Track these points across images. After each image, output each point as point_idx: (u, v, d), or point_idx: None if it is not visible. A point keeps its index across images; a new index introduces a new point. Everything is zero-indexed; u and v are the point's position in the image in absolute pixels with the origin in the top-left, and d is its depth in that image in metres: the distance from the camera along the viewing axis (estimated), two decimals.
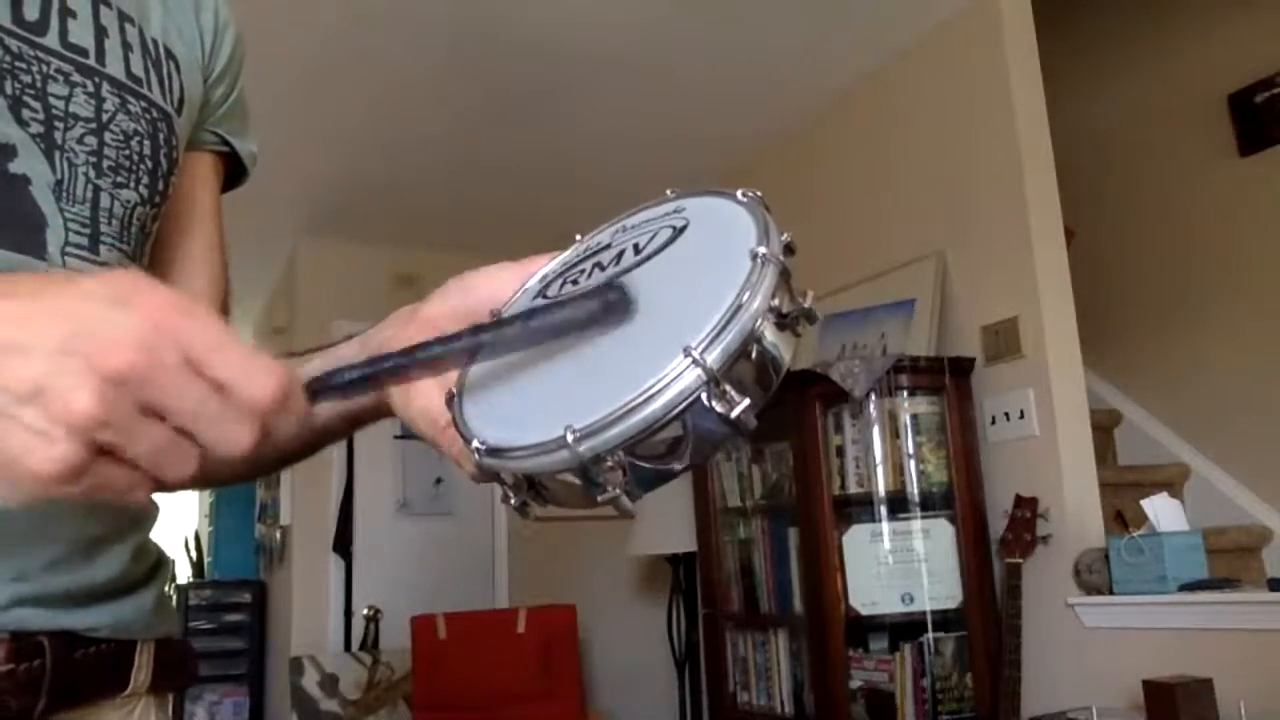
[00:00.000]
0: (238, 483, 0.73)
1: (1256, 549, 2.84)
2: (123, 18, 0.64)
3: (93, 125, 0.60)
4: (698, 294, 0.41)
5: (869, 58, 3.01)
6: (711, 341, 0.38)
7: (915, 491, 2.54)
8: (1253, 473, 2.96)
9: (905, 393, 2.57)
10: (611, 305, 0.43)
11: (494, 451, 0.43)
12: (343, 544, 4.04)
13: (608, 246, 0.50)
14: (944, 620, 2.47)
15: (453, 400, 0.48)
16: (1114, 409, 3.31)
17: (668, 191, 0.52)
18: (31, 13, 0.58)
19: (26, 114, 0.56)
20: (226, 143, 0.76)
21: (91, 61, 0.61)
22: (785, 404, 2.62)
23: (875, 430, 2.57)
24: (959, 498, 2.51)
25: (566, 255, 0.54)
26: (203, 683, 4.38)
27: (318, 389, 0.42)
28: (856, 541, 2.51)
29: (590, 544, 4.16)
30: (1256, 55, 2.97)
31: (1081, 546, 2.33)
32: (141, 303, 0.35)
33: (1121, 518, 2.70)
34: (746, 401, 0.39)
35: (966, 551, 2.49)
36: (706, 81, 3.12)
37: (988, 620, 2.45)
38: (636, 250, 0.48)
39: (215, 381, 0.35)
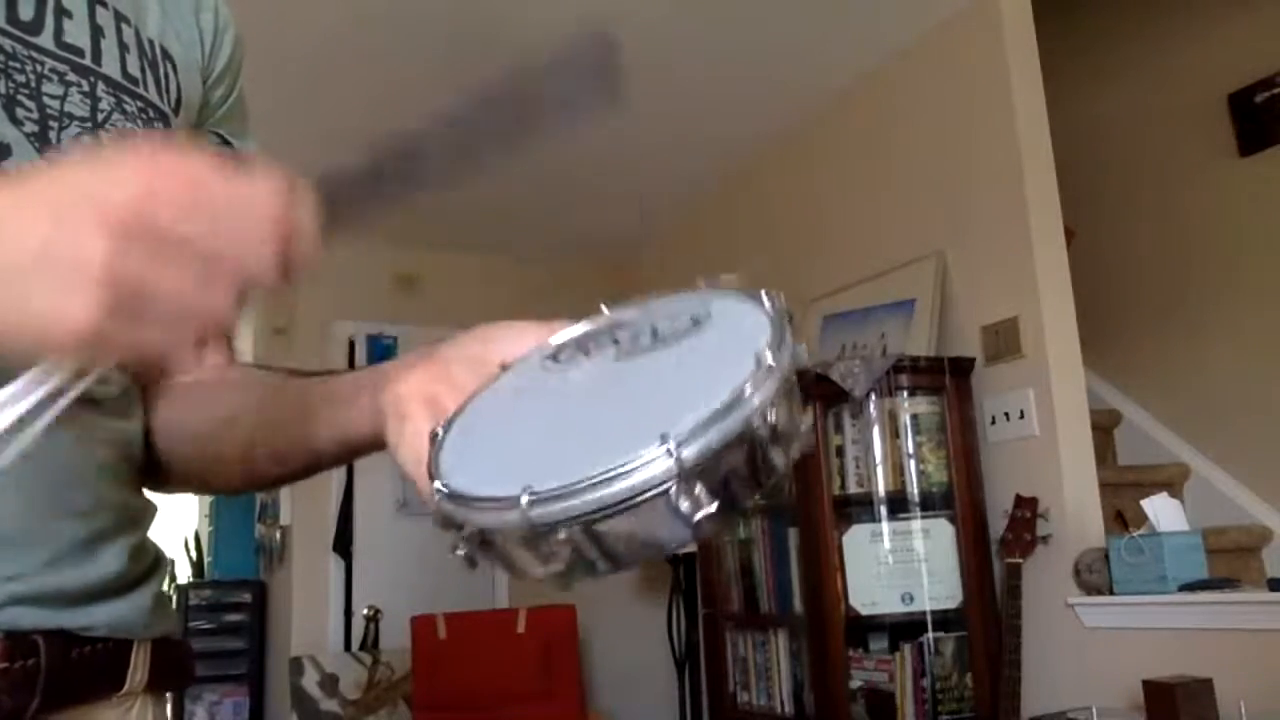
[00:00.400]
0: (236, 494, 0.73)
1: (1256, 549, 2.84)
2: (119, 18, 0.64)
3: (88, 125, 0.60)
4: (696, 387, 0.41)
5: (869, 58, 3.01)
6: (692, 437, 0.37)
7: (915, 491, 2.54)
8: (1253, 473, 2.95)
9: (905, 393, 2.57)
10: (602, 72, 0.43)
11: (454, 497, 0.43)
12: (343, 544, 4.04)
13: (629, 324, 0.51)
14: (944, 620, 2.47)
15: (434, 439, 0.48)
16: (1114, 409, 3.31)
17: (700, 281, 0.52)
18: (26, 12, 0.58)
19: (20, 113, 0.56)
20: (227, 143, 0.76)
21: (87, 61, 0.60)
22: None
23: (875, 430, 2.57)
24: (959, 498, 2.51)
25: (587, 325, 0.54)
26: (203, 683, 4.38)
27: (326, 185, 0.42)
28: (856, 541, 2.51)
29: None
30: (1256, 55, 2.97)
31: (1081, 546, 2.33)
32: (135, 151, 0.35)
33: (1121, 518, 2.70)
34: (714, 507, 0.37)
35: (966, 551, 2.49)
36: (707, 81, 3.12)
37: (988, 620, 2.45)
38: (654, 334, 0.48)
39: (225, 197, 0.36)
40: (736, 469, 0.39)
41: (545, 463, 0.40)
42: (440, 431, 0.48)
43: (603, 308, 0.54)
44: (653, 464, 0.37)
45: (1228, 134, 3.04)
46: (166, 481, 0.70)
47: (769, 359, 0.40)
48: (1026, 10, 2.66)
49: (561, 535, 0.38)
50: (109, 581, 0.59)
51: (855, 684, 2.52)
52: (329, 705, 3.65)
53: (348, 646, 3.94)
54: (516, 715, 3.45)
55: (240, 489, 0.71)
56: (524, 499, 0.38)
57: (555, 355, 0.52)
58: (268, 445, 0.65)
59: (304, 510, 4.08)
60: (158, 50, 0.67)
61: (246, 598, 4.56)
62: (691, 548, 3.25)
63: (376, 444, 0.60)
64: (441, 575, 4.12)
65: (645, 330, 0.48)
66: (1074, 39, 3.26)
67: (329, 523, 4.04)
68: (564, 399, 0.47)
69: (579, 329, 0.54)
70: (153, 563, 0.66)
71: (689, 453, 0.37)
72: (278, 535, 4.32)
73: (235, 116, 0.77)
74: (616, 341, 0.49)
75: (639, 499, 0.37)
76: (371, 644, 3.89)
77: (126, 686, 0.60)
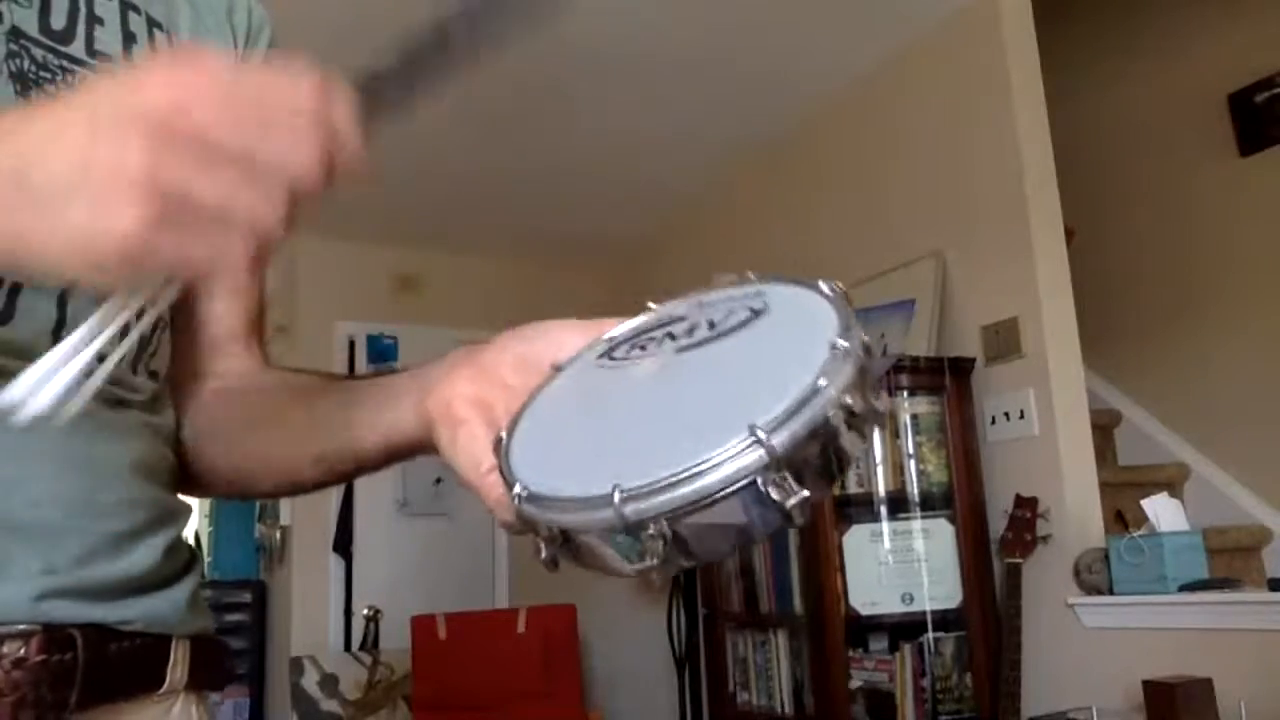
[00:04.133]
0: (275, 498, 0.72)
1: (1256, 549, 2.84)
2: (151, 23, 0.64)
3: None
4: (771, 376, 0.40)
5: (869, 57, 3.01)
6: (779, 425, 0.37)
7: (915, 491, 2.54)
8: (1253, 473, 2.96)
9: (905, 393, 2.57)
10: None
11: (535, 499, 0.42)
12: (343, 544, 4.04)
13: (682, 319, 0.50)
14: (944, 620, 2.47)
15: (500, 444, 0.47)
16: (1114, 409, 3.31)
17: (750, 274, 0.51)
18: (58, 21, 0.58)
19: None
20: None
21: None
22: None
23: (875, 430, 2.56)
24: (959, 498, 2.51)
25: (637, 321, 0.53)
26: None
27: (366, 86, 0.41)
28: (856, 541, 2.51)
29: None
30: (1256, 55, 2.97)
31: (1081, 546, 2.33)
32: (165, 58, 0.36)
33: (1121, 518, 2.69)
34: (804, 494, 0.37)
35: (966, 551, 2.49)
36: (706, 82, 3.12)
37: (988, 620, 2.45)
38: (711, 326, 0.47)
39: (261, 95, 0.35)
40: (820, 453, 0.39)
41: (628, 458, 0.40)
42: (505, 436, 0.48)
43: (650, 305, 0.53)
44: (744, 454, 0.37)
45: (1228, 134, 3.04)
46: (206, 486, 0.70)
47: (842, 343, 0.40)
48: (1026, 10, 2.66)
49: (651, 530, 0.38)
50: (143, 576, 0.59)
51: (855, 684, 2.52)
52: (329, 705, 3.65)
53: (348, 646, 3.94)
54: (516, 715, 3.45)
55: (283, 494, 0.71)
56: (616, 496, 0.38)
57: (610, 353, 0.51)
58: (311, 450, 0.65)
59: (304, 510, 4.08)
60: None
61: (246, 598, 4.56)
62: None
63: (421, 448, 0.59)
64: (441, 575, 4.12)
65: (702, 323, 0.48)
66: (1074, 39, 3.26)
67: (329, 523, 4.04)
68: (631, 394, 0.46)
69: (629, 325, 0.53)
70: (187, 560, 0.66)
71: (779, 441, 0.37)
72: (278, 535, 4.32)
73: None
74: (673, 336, 0.48)
75: (731, 489, 0.37)
76: (371, 644, 3.89)
77: (167, 684, 0.60)
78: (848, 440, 0.40)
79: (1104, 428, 3.17)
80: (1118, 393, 3.34)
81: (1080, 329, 2.51)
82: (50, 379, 0.37)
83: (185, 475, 0.68)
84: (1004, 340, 2.55)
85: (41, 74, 0.56)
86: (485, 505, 0.48)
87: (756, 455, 0.37)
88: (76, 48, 0.58)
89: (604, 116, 3.32)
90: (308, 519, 4.06)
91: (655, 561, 0.39)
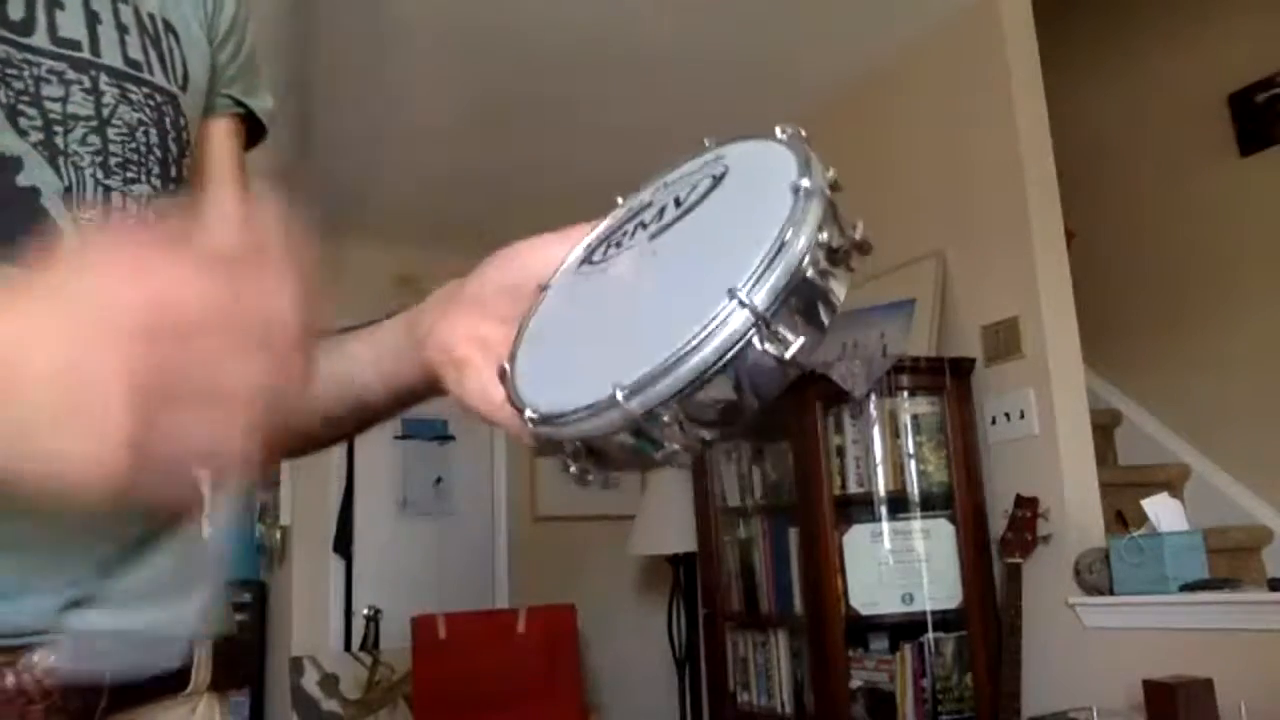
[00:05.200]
0: (291, 457, 0.71)
1: (1256, 549, 2.84)
2: None
3: (94, 123, 0.58)
4: (741, 236, 0.40)
5: (869, 58, 3.01)
6: (757, 281, 0.37)
7: (915, 491, 2.53)
8: (1253, 473, 2.95)
9: (905, 393, 2.57)
10: None
11: (547, 419, 0.43)
12: (343, 544, 4.04)
13: (649, 204, 0.50)
14: (944, 620, 2.47)
15: (505, 373, 0.48)
16: (1114, 409, 3.31)
17: (706, 141, 0.51)
18: (16, 11, 0.55)
19: (24, 123, 0.54)
20: (240, 104, 0.74)
21: (85, 54, 0.58)
22: (785, 404, 2.62)
23: (875, 430, 2.57)
24: (959, 498, 2.51)
25: (609, 220, 0.53)
26: None
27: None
28: (856, 541, 2.51)
29: (590, 544, 4.16)
30: (1256, 55, 2.97)
31: (1082, 546, 2.33)
32: (129, 251, 0.34)
33: (1121, 518, 2.69)
34: (801, 340, 0.37)
35: (966, 551, 2.49)
36: (705, 81, 3.12)
37: (988, 620, 2.45)
38: (678, 204, 0.47)
39: (232, 270, 0.34)
40: (807, 297, 0.39)
41: (623, 356, 0.40)
42: (507, 366, 0.48)
43: (618, 199, 0.53)
44: (730, 320, 0.37)
45: (1228, 134, 3.04)
46: None
47: (804, 183, 0.40)
48: (1026, 10, 2.66)
49: (666, 417, 0.38)
50: (167, 581, 0.59)
51: (855, 684, 2.52)
52: (329, 705, 3.64)
53: (348, 646, 3.94)
54: (516, 715, 3.45)
55: (295, 456, 0.71)
56: (618, 394, 0.38)
57: (589, 258, 0.51)
58: (320, 410, 0.63)
59: (304, 510, 4.08)
60: (159, 24, 0.64)
61: (246, 598, 4.56)
62: (692, 546, 3.25)
63: (430, 392, 0.59)
64: (441, 575, 4.12)
65: (669, 203, 0.48)
66: (1074, 39, 3.26)
67: (329, 523, 4.04)
68: (615, 293, 0.47)
69: (602, 226, 0.53)
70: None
71: (760, 298, 0.37)
72: (278, 535, 4.32)
73: (246, 75, 0.74)
74: (644, 224, 0.48)
75: (728, 356, 0.37)
76: (371, 644, 3.89)
77: (191, 685, 0.61)
78: (832, 276, 0.40)
79: (1104, 428, 3.17)
80: (1118, 393, 3.34)
81: (1080, 329, 2.51)
82: None
83: None
84: (1004, 340, 2.55)
85: (7, 71, 0.54)
86: (509, 436, 0.48)
87: (743, 317, 0.37)
88: (39, 38, 0.56)
89: (604, 115, 3.32)
90: (308, 519, 4.06)
91: (678, 446, 0.39)
